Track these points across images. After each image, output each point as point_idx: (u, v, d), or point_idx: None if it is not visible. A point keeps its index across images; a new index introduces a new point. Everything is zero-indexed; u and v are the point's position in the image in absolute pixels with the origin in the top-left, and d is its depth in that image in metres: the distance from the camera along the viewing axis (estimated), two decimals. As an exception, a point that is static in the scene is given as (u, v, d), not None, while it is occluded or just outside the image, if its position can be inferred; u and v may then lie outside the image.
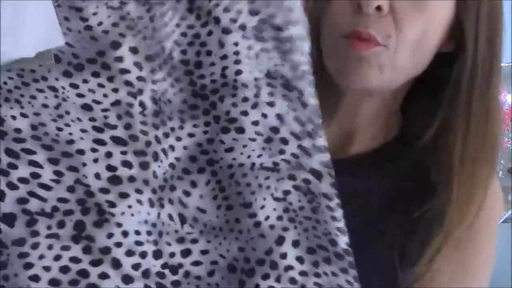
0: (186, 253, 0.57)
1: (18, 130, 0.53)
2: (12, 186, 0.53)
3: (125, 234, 0.55)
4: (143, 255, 0.56)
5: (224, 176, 0.59)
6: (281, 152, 0.58)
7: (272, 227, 0.57)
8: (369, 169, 0.88)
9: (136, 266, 0.56)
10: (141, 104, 0.56)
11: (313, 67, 0.82)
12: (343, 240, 0.58)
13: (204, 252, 0.58)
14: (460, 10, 0.81)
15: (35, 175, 0.53)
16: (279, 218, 0.57)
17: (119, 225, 0.55)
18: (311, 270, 0.57)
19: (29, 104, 0.54)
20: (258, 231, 0.58)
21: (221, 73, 0.58)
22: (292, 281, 0.56)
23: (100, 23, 0.55)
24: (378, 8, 0.78)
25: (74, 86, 0.54)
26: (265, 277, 0.57)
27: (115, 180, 0.55)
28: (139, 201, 0.56)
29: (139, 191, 0.56)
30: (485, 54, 0.82)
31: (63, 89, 0.54)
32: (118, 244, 0.55)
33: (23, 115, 0.53)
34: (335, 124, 0.89)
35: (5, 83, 0.53)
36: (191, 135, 0.58)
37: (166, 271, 0.57)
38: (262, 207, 0.58)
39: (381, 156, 0.88)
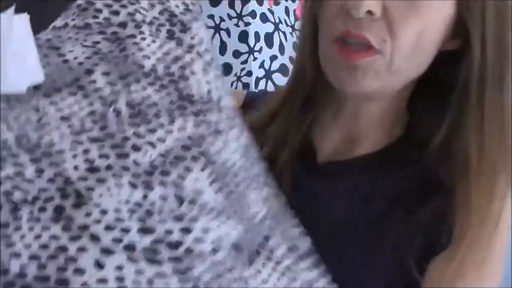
0: (185, 231, 0.57)
1: (4, 141, 0.59)
2: None
3: (103, 212, 0.56)
4: (125, 230, 0.55)
5: (220, 168, 0.62)
6: None
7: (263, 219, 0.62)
8: (373, 170, 0.83)
9: (116, 240, 0.55)
10: (115, 110, 0.61)
11: (313, 72, 0.85)
12: None
13: (205, 230, 0.57)
14: (461, 9, 0.78)
15: (19, 173, 0.58)
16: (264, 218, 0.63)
17: (97, 205, 0.56)
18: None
19: (14, 121, 0.61)
20: (254, 220, 0.61)
21: (207, 93, 0.65)
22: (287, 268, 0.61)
23: (75, 58, 0.64)
24: (370, 12, 0.75)
25: (53, 103, 0.61)
26: (268, 259, 0.60)
27: (93, 170, 0.58)
28: (117, 184, 0.57)
29: (117, 176, 0.58)
30: (495, 54, 0.78)
31: (43, 107, 0.61)
32: (97, 221, 0.55)
33: (10, 129, 0.60)
34: (338, 127, 0.87)
35: None
36: (182, 129, 0.61)
37: (162, 248, 0.55)
38: (253, 200, 0.62)
39: (385, 157, 0.84)
